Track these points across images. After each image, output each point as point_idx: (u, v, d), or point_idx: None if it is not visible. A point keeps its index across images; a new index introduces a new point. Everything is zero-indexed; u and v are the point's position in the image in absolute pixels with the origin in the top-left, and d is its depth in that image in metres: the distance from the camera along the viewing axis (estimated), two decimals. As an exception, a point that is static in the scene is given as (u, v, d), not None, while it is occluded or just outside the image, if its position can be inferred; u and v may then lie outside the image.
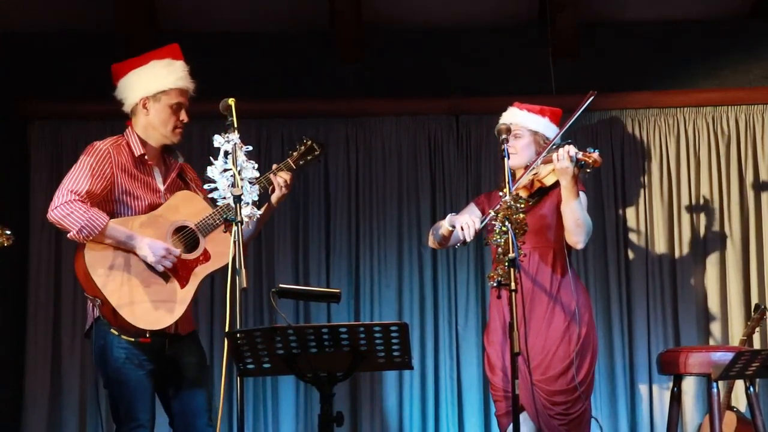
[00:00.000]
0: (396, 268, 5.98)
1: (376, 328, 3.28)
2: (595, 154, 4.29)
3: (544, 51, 5.99)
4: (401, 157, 6.06)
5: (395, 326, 3.29)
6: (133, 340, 3.95)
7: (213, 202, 3.75)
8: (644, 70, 6.11)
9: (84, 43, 6.06)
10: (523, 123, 4.61)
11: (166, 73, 4.15)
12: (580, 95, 4.52)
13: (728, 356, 4.39)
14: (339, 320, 5.80)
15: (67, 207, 3.90)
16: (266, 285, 5.91)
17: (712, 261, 5.94)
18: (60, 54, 6.08)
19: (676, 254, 5.95)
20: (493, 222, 3.96)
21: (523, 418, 4.32)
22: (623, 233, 5.98)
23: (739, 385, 5.36)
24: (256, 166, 3.64)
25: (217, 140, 3.63)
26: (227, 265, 3.48)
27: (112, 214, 4.01)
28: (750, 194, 5.97)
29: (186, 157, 4.34)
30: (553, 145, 4.49)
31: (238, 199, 3.54)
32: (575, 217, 4.37)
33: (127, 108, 4.20)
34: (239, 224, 3.50)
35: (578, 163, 4.28)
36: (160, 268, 3.97)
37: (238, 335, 3.33)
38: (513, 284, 3.80)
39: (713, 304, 5.92)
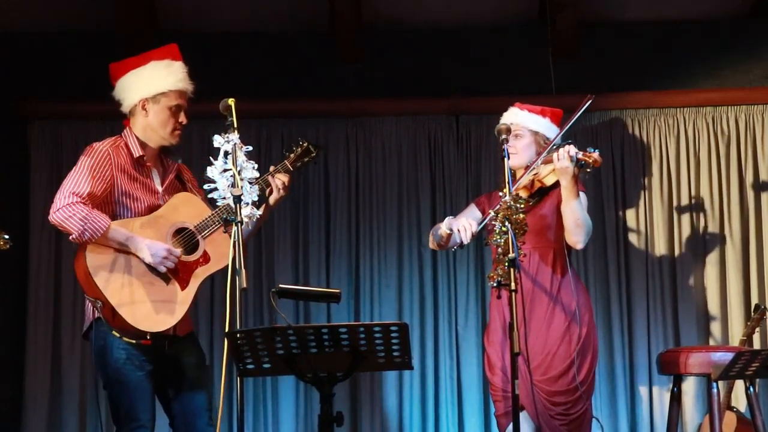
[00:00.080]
0: (396, 268, 5.98)
1: (376, 329, 3.28)
2: (595, 154, 4.30)
3: (544, 51, 5.99)
4: (401, 157, 6.06)
5: (395, 326, 3.29)
6: (134, 341, 3.94)
7: (212, 202, 3.74)
8: (644, 70, 6.11)
9: (84, 43, 6.06)
10: (524, 123, 4.62)
11: (166, 75, 4.14)
12: (580, 95, 4.52)
13: (728, 356, 4.39)
14: (339, 320, 5.80)
15: (69, 209, 3.89)
16: (266, 285, 5.91)
17: (712, 261, 5.94)
18: (60, 54, 6.08)
19: (676, 254, 5.95)
20: (493, 222, 3.96)
21: (523, 417, 4.32)
22: (623, 233, 5.98)
23: (739, 385, 5.36)
24: (256, 166, 3.64)
25: (217, 140, 3.62)
26: (227, 266, 3.48)
27: (112, 216, 4.00)
28: (750, 194, 5.97)
29: (186, 158, 4.33)
30: (554, 145, 4.49)
31: (237, 199, 3.53)
32: (575, 217, 4.37)
33: (125, 108, 4.19)
34: (239, 224, 3.50)
35: (578, 163, 4.29)
36: (163, 269, 3.96)
37: (238, 335, 3.33)
38: (513, 284, 3.80)
39: (713, 304, 5.92)
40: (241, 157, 3.59)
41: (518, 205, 3.92)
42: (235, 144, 3.60)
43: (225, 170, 3.57)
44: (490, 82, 6.03)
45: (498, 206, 3.95)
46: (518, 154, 4.53)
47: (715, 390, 4.86)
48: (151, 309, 3.94)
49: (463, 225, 4.29)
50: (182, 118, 4.16)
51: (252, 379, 5.78)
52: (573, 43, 6.04)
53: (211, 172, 3.59)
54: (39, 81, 6.03)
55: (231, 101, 3.68)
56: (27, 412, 5.79)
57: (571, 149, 4.29)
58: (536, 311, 4.41)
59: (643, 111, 6.05)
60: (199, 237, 4.08)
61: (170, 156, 4.27)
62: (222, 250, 3.98)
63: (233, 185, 3.55)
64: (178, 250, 4.01)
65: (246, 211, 3.55)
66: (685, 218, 5.98)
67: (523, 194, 4.36)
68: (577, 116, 4.50)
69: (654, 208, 5.98)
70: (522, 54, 6.11)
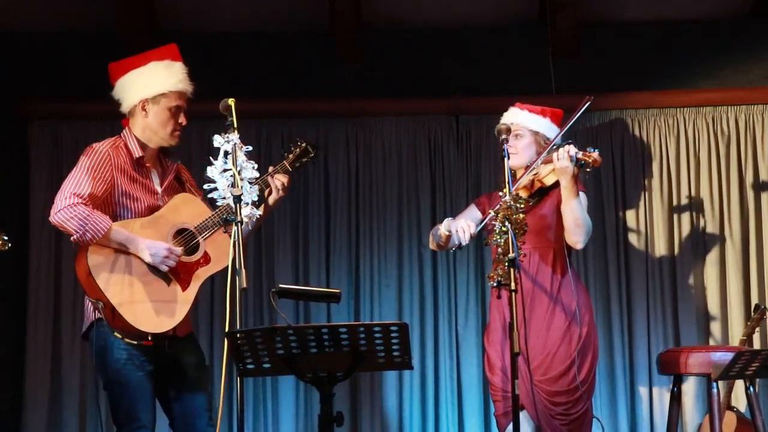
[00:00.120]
0: (396, 268, 5.98)
1: (376, 328, 3.28)
2: (595, 154, 4.30)
3: (544, 51, 5.99)
4: (401, 157, 6.06)
5: (395, 326, 3.29)
6: (135, 342, 3.94)
7: (212, 202, 3.74)
8: (644, 70, 6.11)
9: (84, 43, 6.06)
10: (524, 123, 4.62)
11: (166, 75, 4.13)
12: (580, 95, 4.53)
13: (728, 356, 4.39)
14: (339, 320, 5.80)
15: (70, 210, 3.88)
16: (266, 285, 5.91)
17: (712, 261, 5.94)
18: (60, 54, 6.08)
19: (676, 254, 5.95)
20: (493, 222, 3.96)
21: (523, 417, 4.32)
22: (623, 233, 5.98)
23: (739, 385, 5.36)
24: (256, 166, 3.63)
25: (217, 140, 3.62)
26: (228, 266, 3.48)
27: (113, 217, 3.99)
28: (750, 194, 5.97)
29: (185, 158, 4.33)
30: (554, 145, 4.49)
31: (237, 199, 3.53)
32: (575, 217, 4.38)
33: (124, 109, 4.18)
34: (239, 224, 3.50)
35: (578, 163, 4.29)
36: (164, 269, 3.95)
37: (238, 335, 3.33)
38: (513, 284, 3.80)
39: (713, 304, 5.92)
40: (241, 157, 3.59)
41: (518, 205, 3.92)
42: (235, 144, 3.60)
43: (225, 170, 3.57)
44: (490, 82, 6.03)
45: (498, 206, 3.95)
46: (518, 154, 4.54)
47: (715, 390, 4.86)
48: (152, 310, 3.93)
49: (462, 226, 4.30)
50: (182, 119, 4.16)
51: (252, 379, 5.77)
52: (573, 43, 6.04)
53: (211, 172, 3.58)
54: (39, 81, 6.03)
55: (231, 101, 3.67)
56: (27, 412, 5.79)
57: (571, 149, 4.29)
58: (536, 311, 4.41)
59: (643, 111, 6.05)
60: (199, 238, 4.08)
61: (169, 156, 4.26)
62: (223, 251, 3.98)
63: (233, 185, 3.55)
64: (179, 249, 4.00)
65: (246, 211, 3.55)
66: (685, 218, 5.97)
67: (523, 194, 4.37)
68: (576, 116, 4.51)
69: (654, 208, 5.98)
70: (522, 54, 6.10)
